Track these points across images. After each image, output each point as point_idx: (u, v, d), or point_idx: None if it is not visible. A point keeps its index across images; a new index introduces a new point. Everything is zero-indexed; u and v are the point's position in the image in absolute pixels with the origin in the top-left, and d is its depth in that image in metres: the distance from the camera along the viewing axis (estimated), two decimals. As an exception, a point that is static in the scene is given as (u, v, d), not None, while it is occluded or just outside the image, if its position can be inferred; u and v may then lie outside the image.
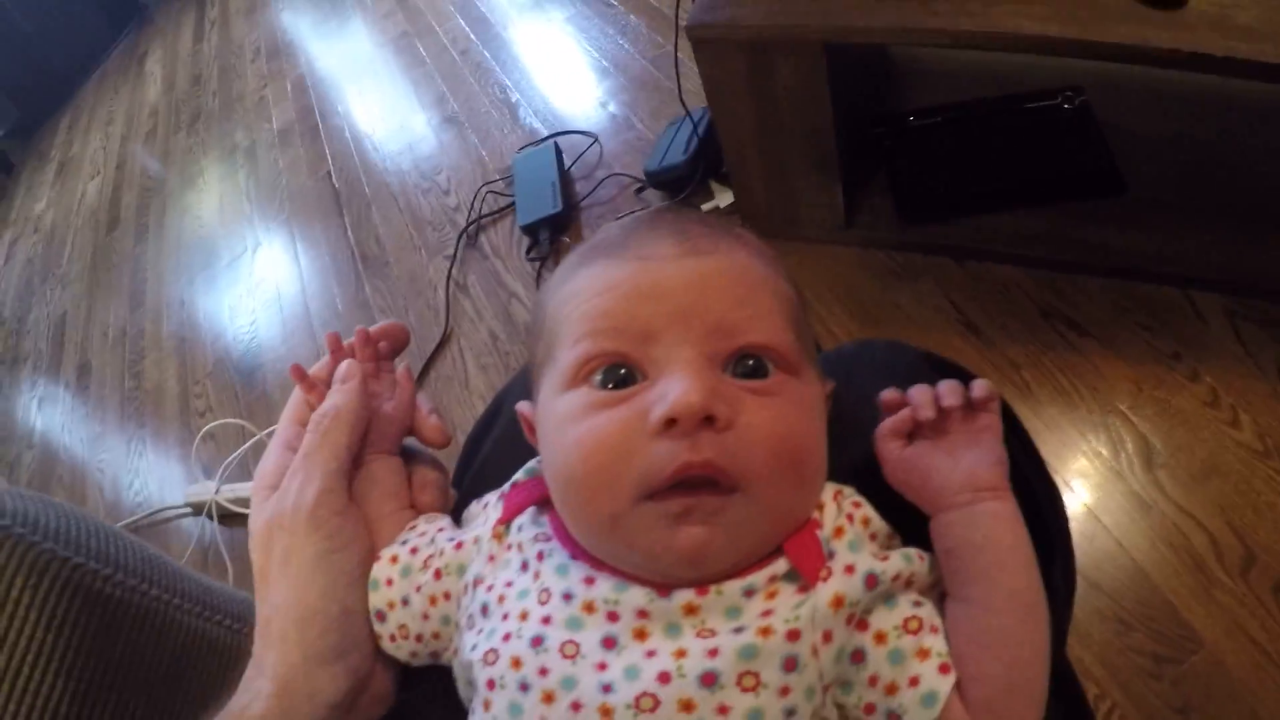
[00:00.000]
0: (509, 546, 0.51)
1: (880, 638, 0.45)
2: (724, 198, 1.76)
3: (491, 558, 0.51)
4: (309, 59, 3.10)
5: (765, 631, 0.43)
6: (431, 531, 0.55)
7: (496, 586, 0.49)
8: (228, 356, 2.18)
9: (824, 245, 1.62)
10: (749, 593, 0.45)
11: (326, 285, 2.18)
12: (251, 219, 2.56)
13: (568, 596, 0.46)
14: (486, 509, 0.55)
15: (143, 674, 0.84)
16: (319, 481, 0.52)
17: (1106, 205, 1.46)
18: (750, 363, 0.47)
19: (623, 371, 0.47)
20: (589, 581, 0.46)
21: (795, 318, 0.51)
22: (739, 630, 0.43)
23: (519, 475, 0.54)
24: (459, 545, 0.52)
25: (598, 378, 0.47)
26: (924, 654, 0.45)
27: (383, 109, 2.63)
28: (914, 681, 0.44)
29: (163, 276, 2.59)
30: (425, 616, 0.52)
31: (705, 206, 1.77)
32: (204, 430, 1.99)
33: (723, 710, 0.42)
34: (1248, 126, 1.46)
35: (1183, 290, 1.38)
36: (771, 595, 0.45)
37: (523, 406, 0.56)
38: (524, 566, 0.49)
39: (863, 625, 0.45)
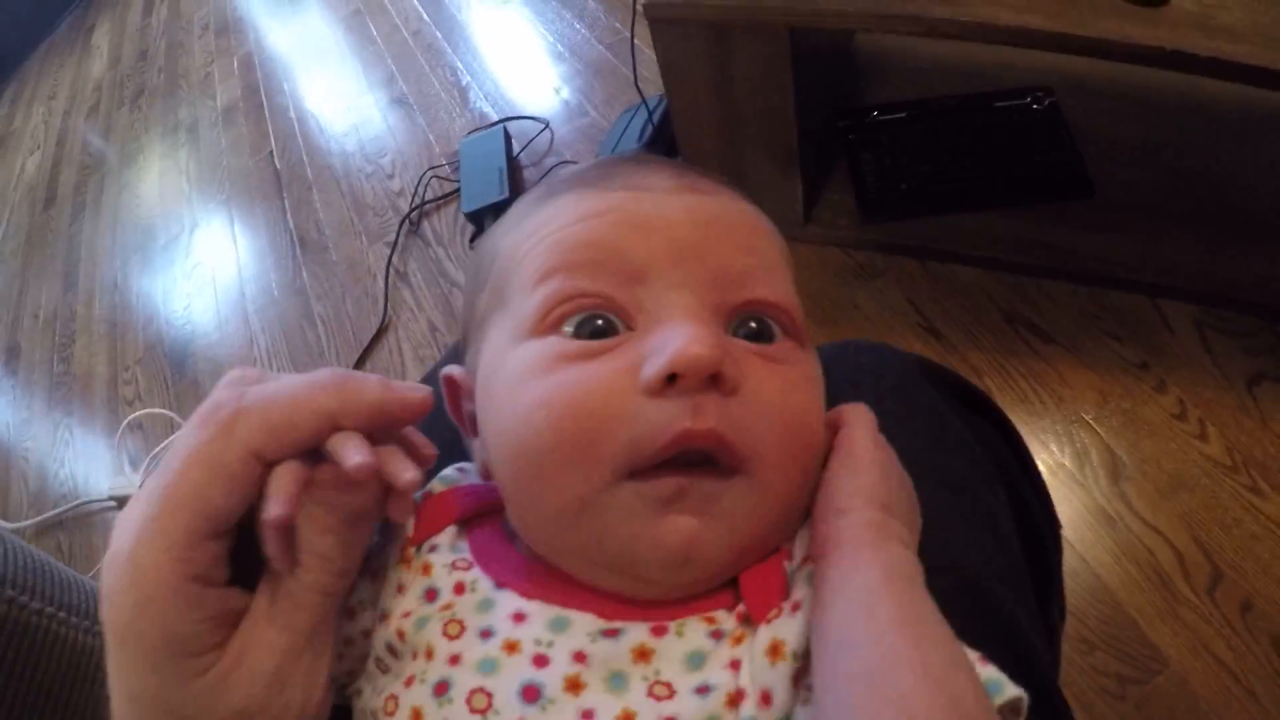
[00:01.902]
0: (419, 571, 0.40)
1: None
2: (679, 189, 1.69)
3: (401, 588, 0.40)
4: (258, 35, 3.01)
5: (733, 699, 0.34)
6: None
7: (395, 618, 0.39)
8: (159, 342, 2.09)
9: (782, 241, 1.56)
10: (717, 635, 0.36)
11: (263, 270, 2.10)
12: (190, 199, 2.47)
13: (486, 634, 0.36)
14: (392, 527, 0.42)
15: (24, 693, 0.77)
16: (323, 672, 0.37)
17: (1074, 208, 1.43)
18: (754, 324, 0.39)
19: (600, 322, 0.38)
20: (518, 618, 0.37)
21: (795, 280, 0.43)
22: (704, 692, 0.34)
23: (434, 484, 0.44)
24: (375, 576, 0.41)
25: (569, 327, 0.38)
26: None
27: (330, 88, 2.56)
28: None
29: (97, 257, 2.49)
30: (341, 657, 0.40)
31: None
32: (130, 419, 1.90)
33: None
34: (1219, 132, 1.44)
35: (1151, 298, 1.35)
36: (739, 640, 0.36)
37: (453, 370, 0.45)
38: (430, 595, 0.39)
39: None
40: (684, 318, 0.36)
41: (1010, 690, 0.33)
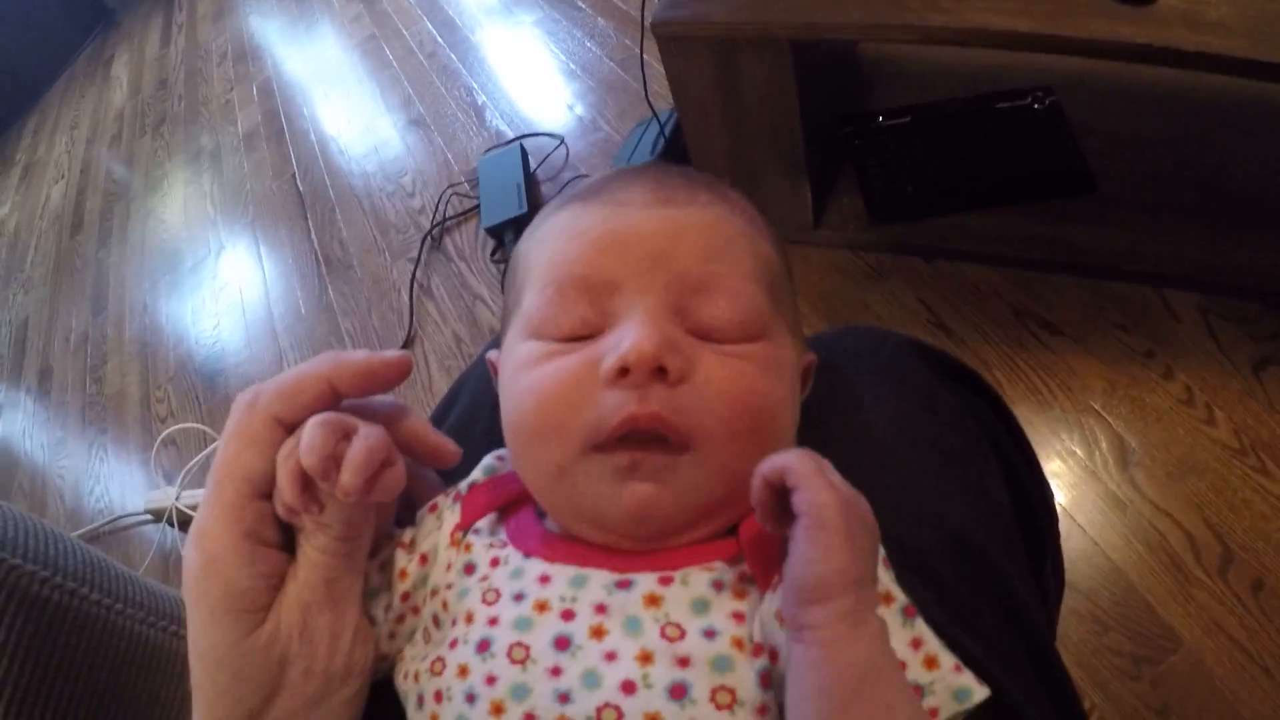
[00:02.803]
0: (463, 550, 0.46)
1: None
2: (693, 198, 1.73)
3: (449, 566, 0.46)
4: (275, 62, 3.06)
5: (739, 643, 0.39)
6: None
7: (442, 591, 0.45)
8: (190, 361, 2.14)
9: (792, 246, 1.60)
10: (718, 585, 0.41)
11: (290, 289, 2.15)
12: (215, 223, 2.52)
13: (519, 597, 0.42)
14: (440, 514, 0.48)
15: (83, 682, 0.81)
16: (346, 622, 0.44)
17: (1077, 204, 1.46)
18: (714, 327, 0.44)
19: (581, 324, 0.45)
20: (544, 580, 0.42)
21: (772, 279, 0.48)
22: (711, 635, 0.39)
23: (476, 474, 0.50)
24: (424, 560, 0.47)
25: (560, 330, 0.45)
26: None
27: (349, 112, 2.61)
28: None
29: (125, 281, 2.55)
30: (392, 635, 0.46)
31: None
32: (164, 435, 1.95)
33: None
34: (1217, 125, 1.46)
35: (1156, 289, 1.37)
36: (740, 595, 0.41)
37: (493, 354, 0.53)
38: (469, 569, 0.45)
39: None
40: (640, 319, 0.42)
41: (978, 694, 0.38)
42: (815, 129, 1.43)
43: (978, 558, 0.50)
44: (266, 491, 0.41)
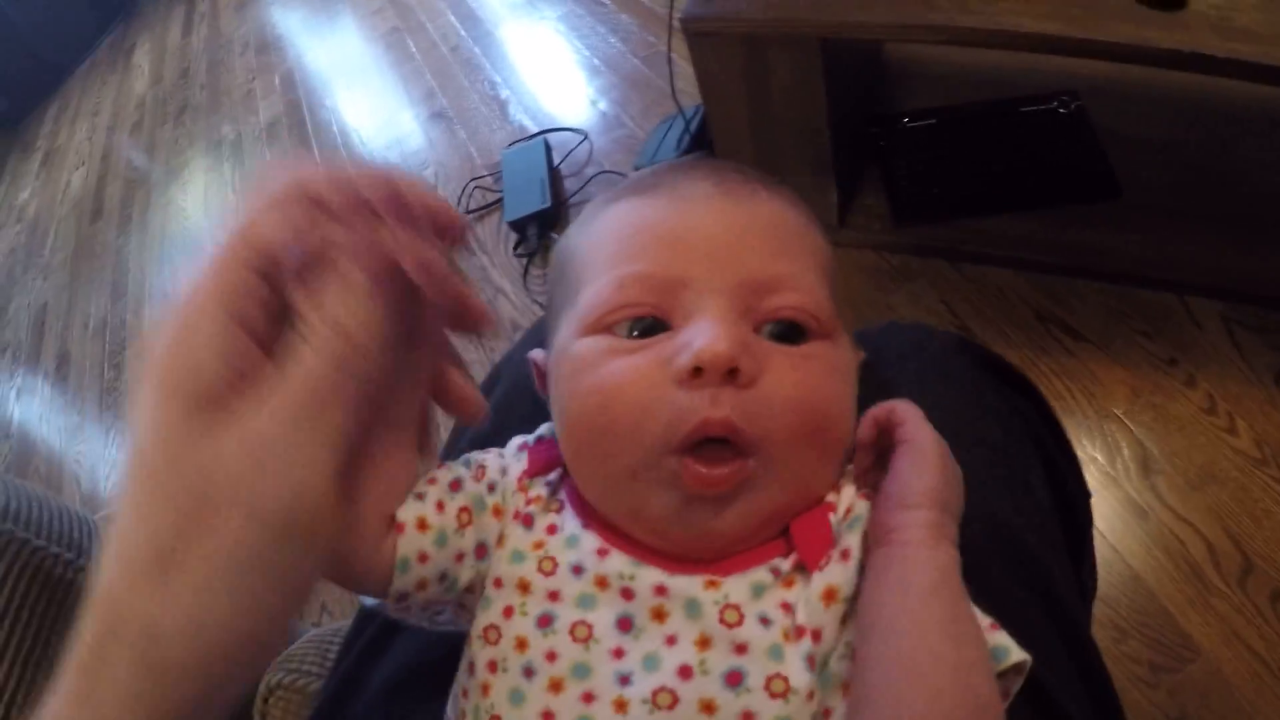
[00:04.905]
0: (529, 501, 0.46)
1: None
2: (716, 196, 1.73)
3: (516, 514, 0.45)
4: (298, 53, 3.07)
5: (787, 634, 0.39)
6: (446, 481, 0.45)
7: (509, 542, 0.44)
8: (209, 350, 2.14)
9: (817, 245, 1.58)
10: (775, 572, 0.41)
11: (310, 280, 2.14)
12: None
13: (577, 570, 0.42)
14: (504, 459, 0.47)
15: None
16: (321, 464, 0.35)
17: (1102, 209, 1.45)
18: (784, 327, 0.43)
19: (646, 322, 0.43)
20: (602, 554, 0.42)
21: (830, 274, 0.48)
22: (766, 623, 0.39)
23: (543, 430, 0.49)
24: (490, 488, 0.45)
25: (622, 327, 0.43)
26: None
27: (371, 104, 2.61)
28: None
29: (145, 268, 2.56)
30: (443, 578, 0.43)
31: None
32: (182, 424, 1.95)
33: (747, 718, 0.38)
34: (1242, 132, 1.46)
35: (1179, 296, 1.37)
36: (789, 584, 0.41)
37: (536, 354, 0.51)
38: (528, 521, 0.44)
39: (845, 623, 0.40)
40: (712, 318, 0.41)
41: (1015, 655, 0.39)
42: (842, 129, 1.43)
43: (1020, 550, 0.51)
44: (267, 264, 0.35)
